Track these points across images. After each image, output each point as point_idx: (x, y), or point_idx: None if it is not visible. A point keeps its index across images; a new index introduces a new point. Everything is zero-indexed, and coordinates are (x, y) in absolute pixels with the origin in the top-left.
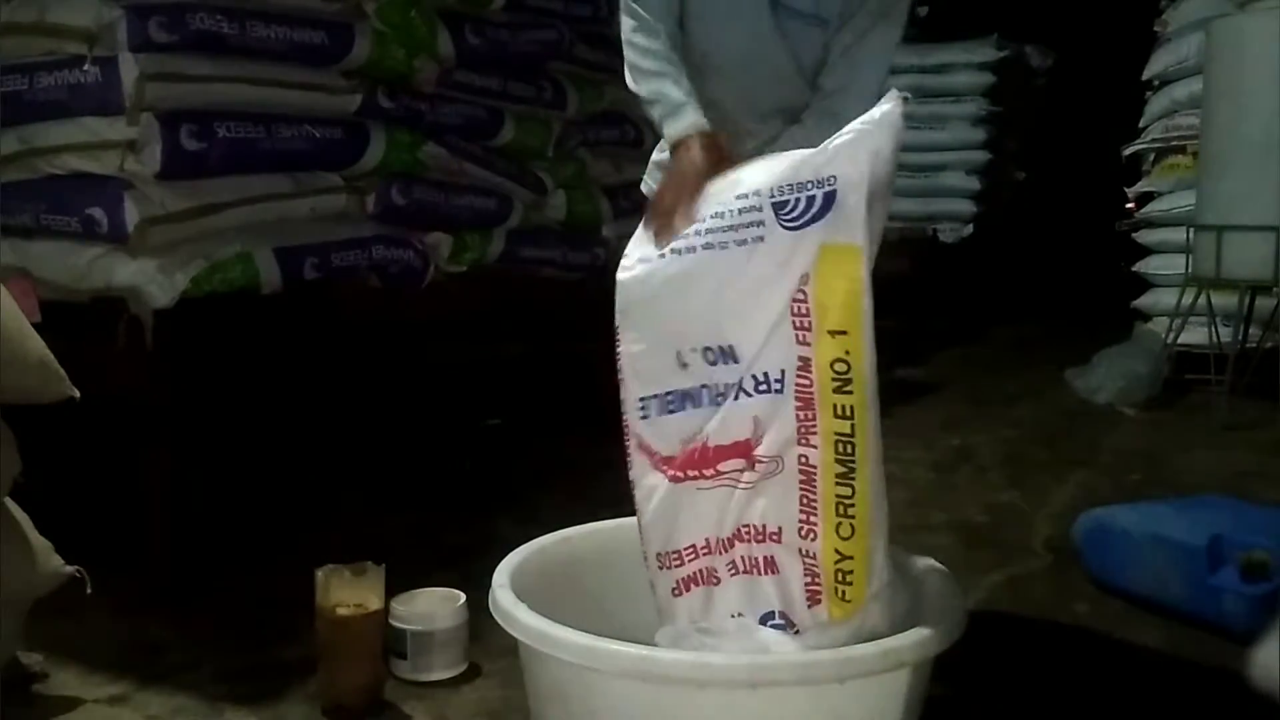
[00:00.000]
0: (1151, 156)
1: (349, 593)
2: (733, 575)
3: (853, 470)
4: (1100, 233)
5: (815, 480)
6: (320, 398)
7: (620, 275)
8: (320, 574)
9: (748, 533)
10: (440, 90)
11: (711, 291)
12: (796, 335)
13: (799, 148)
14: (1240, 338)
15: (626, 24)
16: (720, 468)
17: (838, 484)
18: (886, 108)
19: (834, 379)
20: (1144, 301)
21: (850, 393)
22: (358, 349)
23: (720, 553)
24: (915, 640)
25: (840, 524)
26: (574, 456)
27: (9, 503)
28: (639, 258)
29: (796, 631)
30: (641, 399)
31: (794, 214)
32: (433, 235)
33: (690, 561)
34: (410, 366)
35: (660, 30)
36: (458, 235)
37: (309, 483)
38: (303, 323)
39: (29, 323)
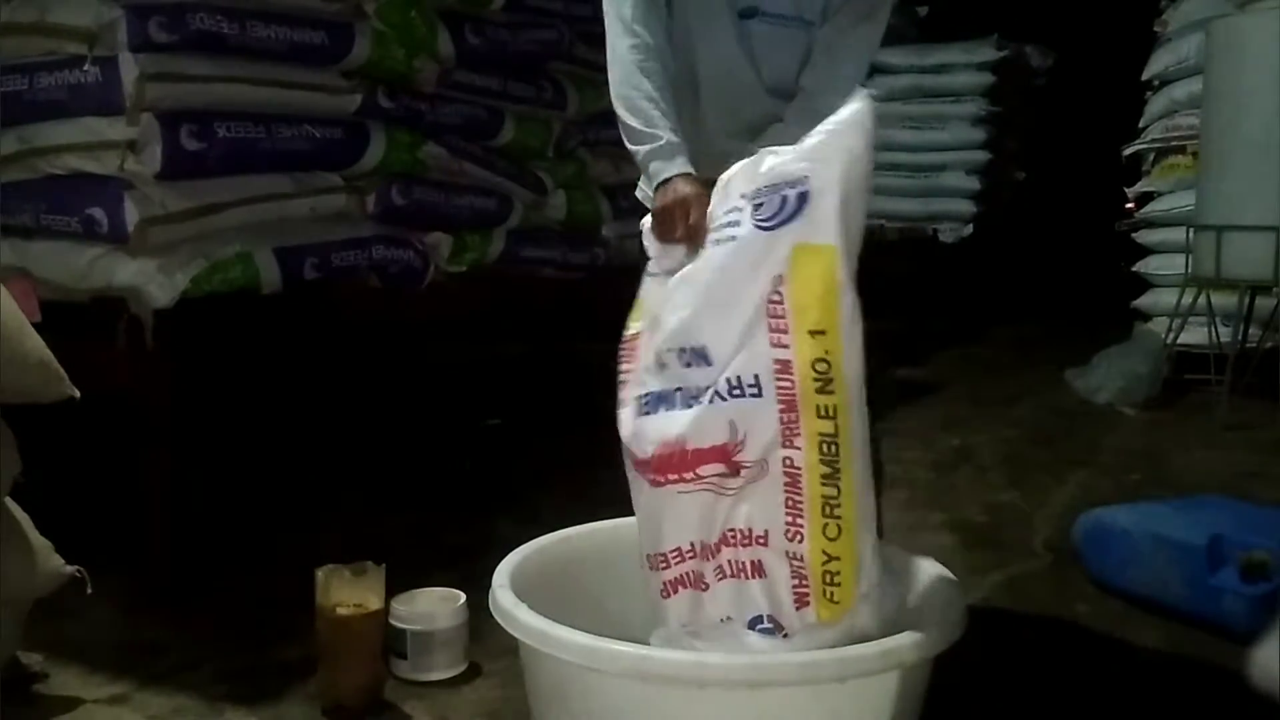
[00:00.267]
0: (1151, 157)
1: (349, 593)
2: (720, 580)
3: (838, 471)
4: (1100, 233)
5: (800, 482)
6: (320, 398)
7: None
8: (320, 574)
9: (734, 537)
10: (440, 90)
11: (688, 292)
12: (773, 337)
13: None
14: (1240, 338)
15: (621, 42)
16: (700, 471)
17: (823, 485)
18: (855, 106)
19: (815, 379)
20: (1144, 301)
21: (832, 393)
22: (358, 349)
23: (707, 558)
24: (915, 640)
25: (827, 525)
26: (574, 456)
27: (9, 503)
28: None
29: (785, 635)
30: (622, 400)
31: (768, 215)
32: (433, 235)
33: (676, 564)
34: (410, 366)
35: (651, 46)
36: (458, 235)
37: (309, 483)
38: (303, 323)
39: (29, 323)
